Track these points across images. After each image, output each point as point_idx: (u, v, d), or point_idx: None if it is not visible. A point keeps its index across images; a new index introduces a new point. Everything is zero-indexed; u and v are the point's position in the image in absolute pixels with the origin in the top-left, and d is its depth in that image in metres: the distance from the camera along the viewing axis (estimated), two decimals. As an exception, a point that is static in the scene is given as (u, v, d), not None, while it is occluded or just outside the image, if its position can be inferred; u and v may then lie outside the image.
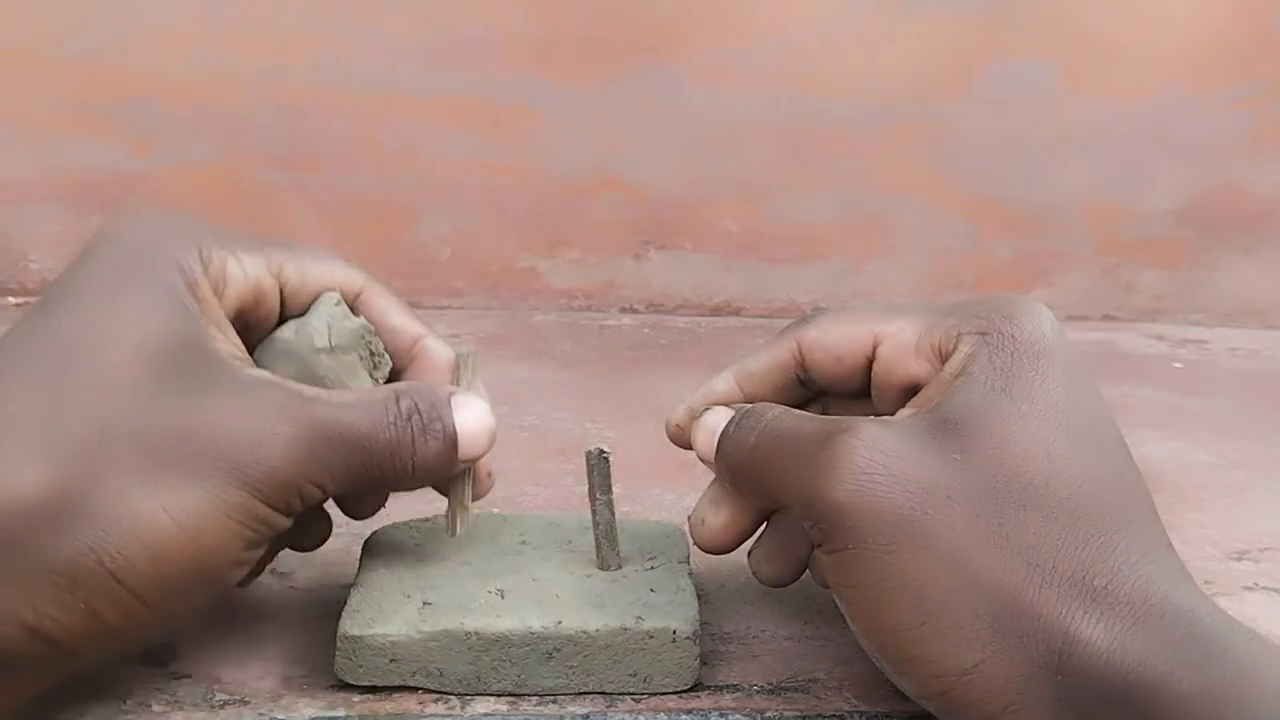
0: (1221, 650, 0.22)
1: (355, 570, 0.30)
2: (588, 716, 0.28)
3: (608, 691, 0.28)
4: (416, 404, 0.27)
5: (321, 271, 0.30)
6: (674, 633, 0.28)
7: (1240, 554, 0.40)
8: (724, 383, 0.32)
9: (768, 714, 0.28)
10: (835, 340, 0.30)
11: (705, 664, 0.30)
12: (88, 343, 0.24)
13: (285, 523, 0.25)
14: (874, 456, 0.24)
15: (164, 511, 0.23)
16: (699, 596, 0.30)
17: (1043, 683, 0.22)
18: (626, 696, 0.29)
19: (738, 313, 0.76)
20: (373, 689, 0.28)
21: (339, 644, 0.27)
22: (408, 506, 0.32)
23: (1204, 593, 0.24)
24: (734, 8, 0.67)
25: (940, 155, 0.72)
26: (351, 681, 0.28)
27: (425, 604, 0.28)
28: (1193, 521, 0.42)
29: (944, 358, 0.27)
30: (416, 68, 0.66)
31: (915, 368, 0.28)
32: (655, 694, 0.29)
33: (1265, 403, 0.60)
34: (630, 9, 0.66)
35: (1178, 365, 0.68)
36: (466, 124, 0.68)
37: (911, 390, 0.28)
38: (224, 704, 0.27)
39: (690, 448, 0.31)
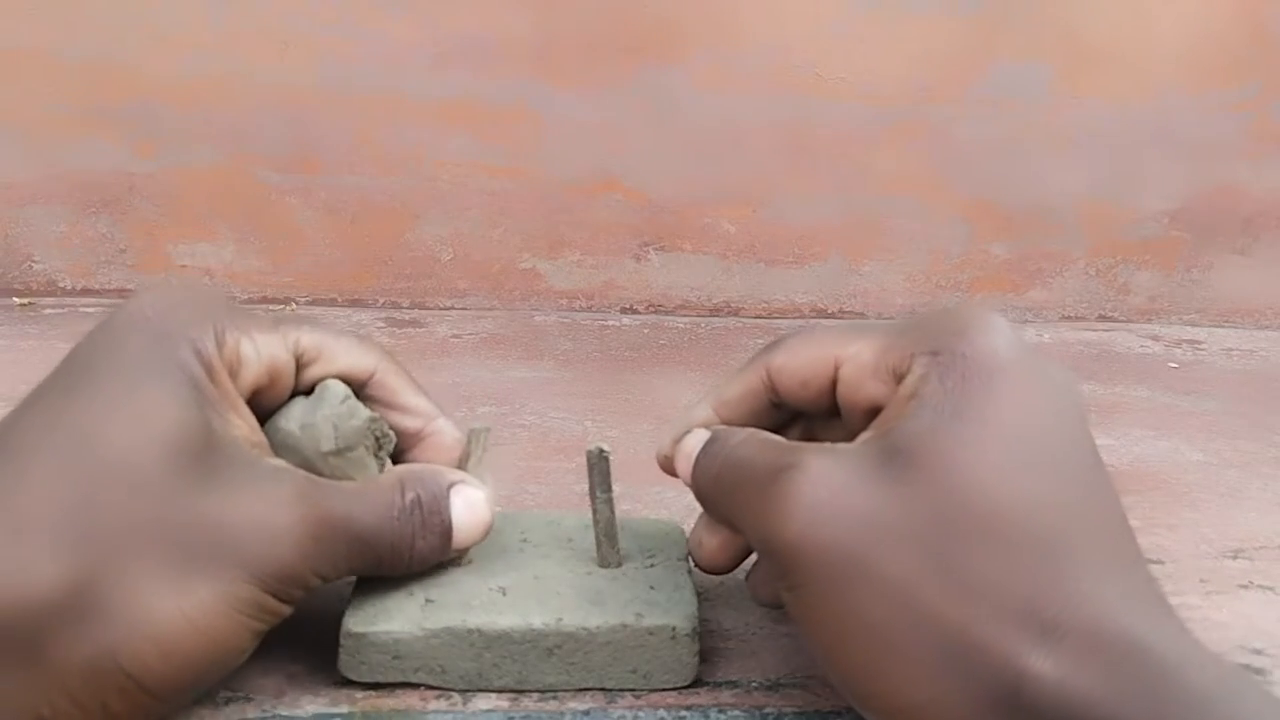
0: (1172, 684, 0.21)
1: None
2: (588, 713, 0.28)
3: (608, 688, 0.29)
4: (420, 496, 0.28)
5: (336, 348, 0.30)
6: (673, 630, 0.28)
7: (1235, 552, 0.40)
8: (702, 411, 0.31)
9: (766, 710, 0.29)
10: (799, 365, 0.29)
11: (704, 661, 0.30)
12: (108, 436, 0.24)
13: (288, 611, 0.26)
14: (820, 493, 0.24)
15: (179, 610, 0.23)
16: (698, 594, 0.30)
17: (997, 718, 0.22)
18: (626, 693, 0.29)
19: (737, 313, 0.76)
20: (375, 686, 0.28)
21: (342, 641, 0.28)
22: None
23: (1171, 615, 0.23)
24: (733, 10, 0.68)
25: (937, 157, 0.73)
26: (354, 678, 0.28)
27: (428, 601, 0.28)
28: (1188, 520, 0.43)
29: (899, 379, 0.27)
30: (418, 70, 0.67)
31: (874, 390, 0.27)
32: (655, 690, 0.29)
33: (1260, 402, 0.61)
34: (630, 12, 0.67)
35: (1173, 365, 0.69)
36: (468, 126, 0.69)
37: (874, 411, 0.27)
38: (228, 700, 0.28)
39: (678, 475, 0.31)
